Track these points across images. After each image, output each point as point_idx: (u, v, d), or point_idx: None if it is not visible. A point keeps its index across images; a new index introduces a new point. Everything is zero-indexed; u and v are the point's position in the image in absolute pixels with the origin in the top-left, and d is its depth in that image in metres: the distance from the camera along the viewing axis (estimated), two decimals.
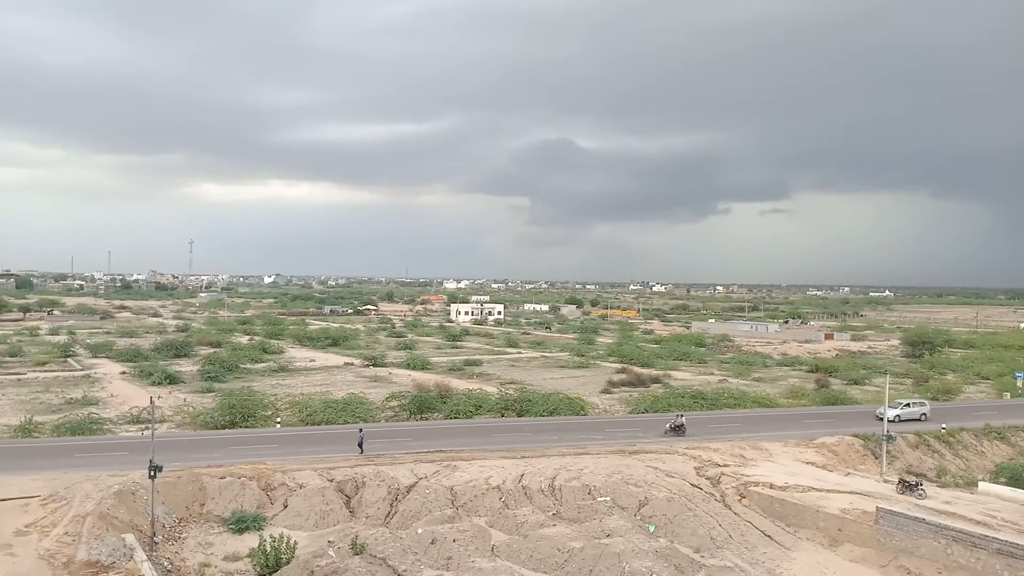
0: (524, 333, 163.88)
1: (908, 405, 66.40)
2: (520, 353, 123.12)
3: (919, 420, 64.57)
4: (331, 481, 42.79)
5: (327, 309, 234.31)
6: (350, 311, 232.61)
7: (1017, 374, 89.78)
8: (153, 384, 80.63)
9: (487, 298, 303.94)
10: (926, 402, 69.09)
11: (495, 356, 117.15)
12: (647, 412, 69.02)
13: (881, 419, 57.87)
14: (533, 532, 38.63)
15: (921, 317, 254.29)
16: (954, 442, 59.07)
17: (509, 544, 37.37)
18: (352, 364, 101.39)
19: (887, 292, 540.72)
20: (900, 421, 62.82)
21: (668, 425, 58.21)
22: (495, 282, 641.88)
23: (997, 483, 48.57)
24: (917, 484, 44.33)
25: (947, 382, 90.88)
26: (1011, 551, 34.01)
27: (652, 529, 39.77)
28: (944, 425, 61.20)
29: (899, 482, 45.11)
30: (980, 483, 48.13)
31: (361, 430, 51.00)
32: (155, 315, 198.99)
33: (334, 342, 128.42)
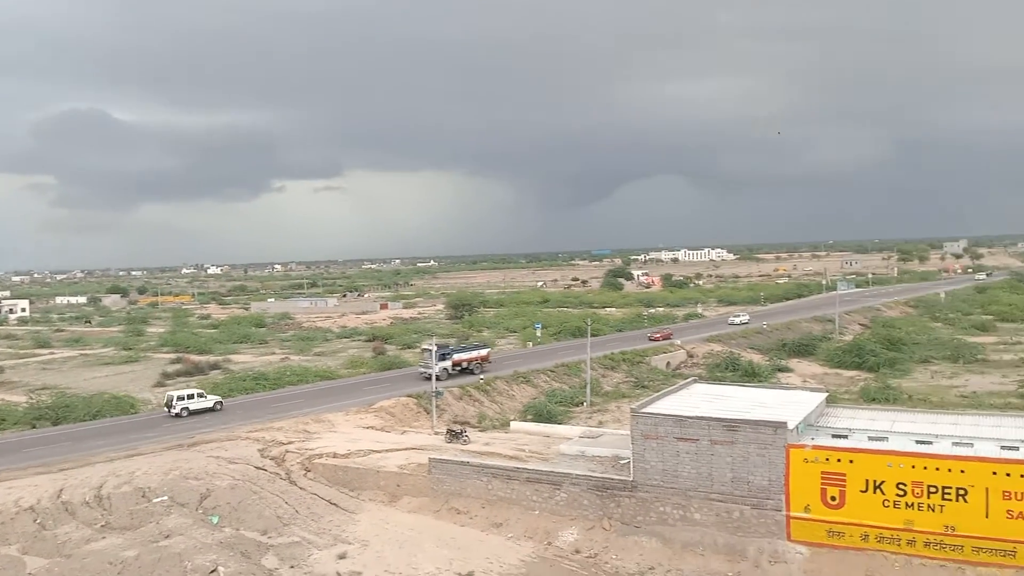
0: (57, 331, 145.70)
1: (194, 396, 59.15)
2: (53, 354, 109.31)
3: (213, 410, 59.00)
4: None
5: None
6: None
7: (536, 325, 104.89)
8: None
9: (7, 294, 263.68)
10: (215, 396, 61.49)
11: (21, 360, 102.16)
12: None
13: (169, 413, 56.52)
14: (78, 550, 34.68)
15: (461, 283, 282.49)
16: (491, 390, 67.08)
17: (49, 569, 33.13)
18: None
19: (432, 262, 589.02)
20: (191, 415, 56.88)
21: None
22: (16, 275, 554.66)
23: (525, 420, 56.47)
24: (462, 432, 49.48)
25: (483, 337, 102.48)
26: (537, 477, 39.91)
27: (216, 520, 38.35)
28: (482, 376, 69.01)
29: (447, 432, 49.89)
30: (512, 422, 55.45)
31: None
32: None
33: None
